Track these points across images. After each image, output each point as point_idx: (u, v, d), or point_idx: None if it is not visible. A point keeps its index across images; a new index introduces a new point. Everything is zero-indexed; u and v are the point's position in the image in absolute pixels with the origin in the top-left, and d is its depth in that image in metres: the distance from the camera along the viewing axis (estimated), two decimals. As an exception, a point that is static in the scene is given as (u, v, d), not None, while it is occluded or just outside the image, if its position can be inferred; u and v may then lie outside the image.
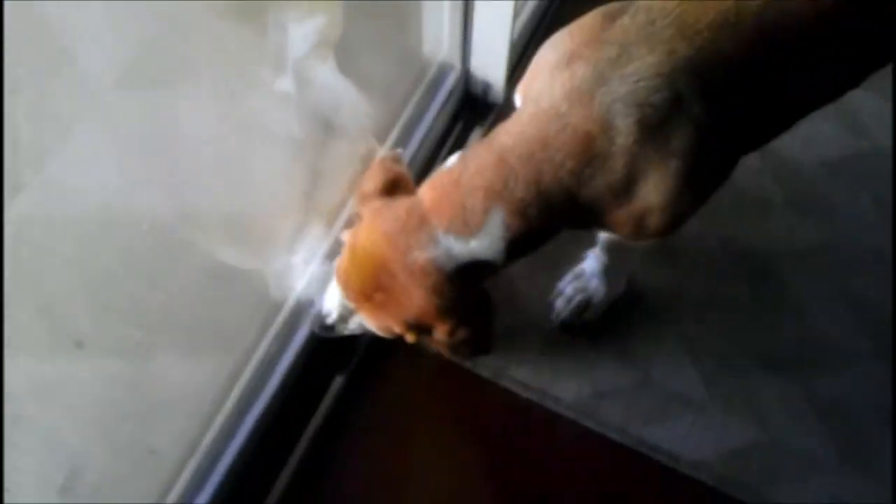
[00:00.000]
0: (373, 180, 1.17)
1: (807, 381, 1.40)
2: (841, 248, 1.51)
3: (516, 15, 1.52)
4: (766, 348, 1.43)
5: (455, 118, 1.63)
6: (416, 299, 1.10)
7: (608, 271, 1.40)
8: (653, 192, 1.03)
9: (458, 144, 1.61)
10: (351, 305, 1.20)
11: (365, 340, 1.42)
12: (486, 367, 1.41)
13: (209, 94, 1.72)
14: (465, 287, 1.10)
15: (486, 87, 1.61)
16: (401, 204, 1.11)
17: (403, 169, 1.19)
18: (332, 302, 1.24)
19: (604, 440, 1.37)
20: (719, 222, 1.51)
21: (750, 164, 1.33)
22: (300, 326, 1.39)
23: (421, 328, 1.15)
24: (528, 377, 1.40)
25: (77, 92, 1.80)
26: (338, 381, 1.41)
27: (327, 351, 1.41)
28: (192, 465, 1.29)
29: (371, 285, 1.12)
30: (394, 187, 1.15)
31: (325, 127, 1.66)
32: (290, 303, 1.39)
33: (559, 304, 1.46)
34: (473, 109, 1.64)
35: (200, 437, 1.31)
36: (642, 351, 1.43)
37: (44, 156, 1.69)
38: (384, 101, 1.62)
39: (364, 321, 1.21)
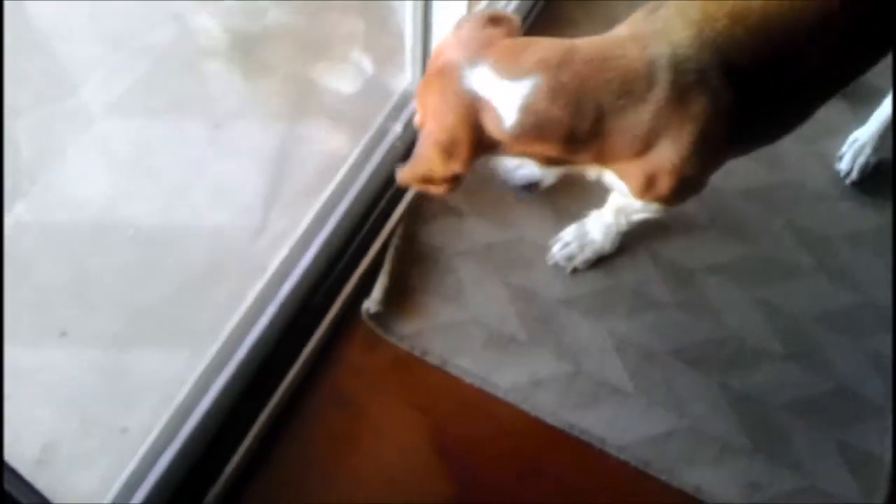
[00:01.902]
0: (483, 15, 1.28)
1: (722, 376, 1.55)
2: (756, 262, 1.68)
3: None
4: (686, 346, 1.58)
5: (413, 144, 1.79)
6: (432, 85, 1.22)
7: (607, 228, 1.60)
8: (668, 148, 1.20)
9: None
10: None
11: (323, 328, 1.55)
12: (434, 355, 1.55)
13: (195, 124, 1.91)
14: (466, 120, 1.19)
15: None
16: (484, 31, 1.23)
17: (513, 27, 1.27)
18: None
19: (538, 423, 1.50)
20: (650, 236, 1.68)
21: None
22: (264, 313, 1.51)
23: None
24: (471, 366, 1.54)
25: (75, 117, 1.99)
26: (296, 367, 1.53)
27: (288, 338, 1.54)
28: (154, 437, 1.37)
29: (424, 85, 1.25)
30: (495, 21, 1.26)
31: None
32: (255, 293, 1.52)
33: (556, 247, 1.65)
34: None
35: (168, 420, 1.40)
36: (576, 345, 1.57)
37: (41, 170, 1.87)
38: (349, 128, 1.79)
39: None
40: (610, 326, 1.59)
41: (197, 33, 2.08)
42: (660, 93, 1.17)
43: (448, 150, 1.20)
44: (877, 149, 1.78)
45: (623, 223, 1.57)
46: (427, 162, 1.23)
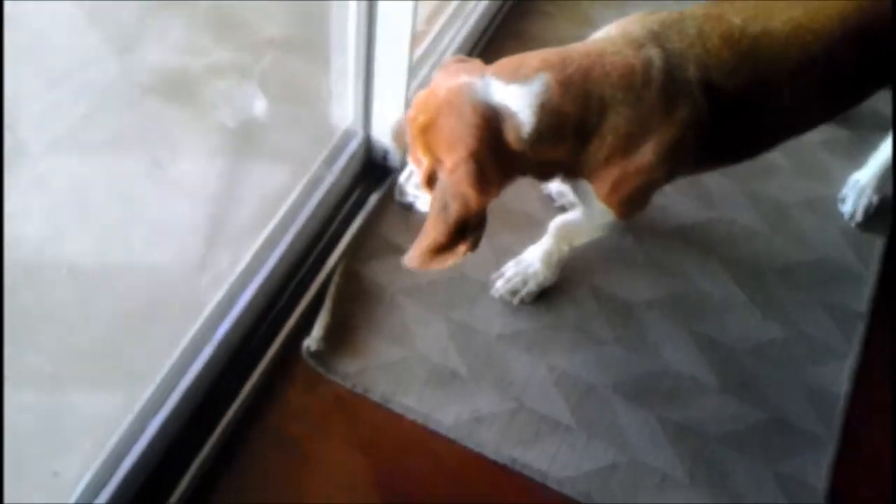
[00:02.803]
0: (453, 59, 1.32)
1: (661, 409, 1.57)
2: (692, 298, 1.71)
3: (412, 96, 1.74)
4: (625, 380, 1.60)
5: (356, 181, 1.80)
6: (441, 118, 1.20)
7: (548, 257, 1.61)
8: (649, 150, 1.24)
9: (358, 206, 1.78)
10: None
11: (262, 367, 1.54)
12: (376, 393, 1.54)
13: (134, 162, 1.89)
14: (488, 131, 1.19)
15: (385, 153, 1.80)
16: (466, 64, 1.27)
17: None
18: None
19: (480, 459, 1.50)
20: (590, 273, 1.71)
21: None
22: (201, 353, 1.49)
23: (432, 174, 1.22)
24: (414, 403, 1.54)
25: (11, 154, 1.95)
26: (234, 408, 1.50)
27: (225, 378, 1.52)
28: (86, 482, 1.35)
29: (421, 107, 1.23)
30: (465, 61, 1.30)
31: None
32: (193, 332, 1.50)
33: (499, 283, 1.66)
34: (373, 174, 1.82)
35: (102, 463, 1.37)
36: (517, 381, 1.58)
37: (-25, 208, 1.81)
38: (291, 166, 1.79)
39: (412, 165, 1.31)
40: (551, 362, 1.61)
41: (138, 70, 2.06)
42: (653, 93, 1.23)
43: (481, 175, 1.18)
44: (877, 189, 1.84)
45: (565, 249, 1.59)
46: (462, 200, 1.20)
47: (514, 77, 1.21)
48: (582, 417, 1.55)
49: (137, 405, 1.40)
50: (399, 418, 1.53)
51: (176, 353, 1.46)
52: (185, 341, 1.47)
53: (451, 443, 1.51)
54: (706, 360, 1.64)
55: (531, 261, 1.64)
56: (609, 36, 1.29)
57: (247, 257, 1.58)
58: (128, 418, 1.39)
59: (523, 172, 1.29)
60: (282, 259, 1.61)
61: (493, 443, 1.51)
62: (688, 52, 1.25)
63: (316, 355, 1.56)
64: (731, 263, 1.77)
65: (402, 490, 1.47)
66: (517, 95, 1.20)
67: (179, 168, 1.89)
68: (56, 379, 1.54)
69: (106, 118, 1.98)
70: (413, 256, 1.25)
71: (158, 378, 1.43)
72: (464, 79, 1.21)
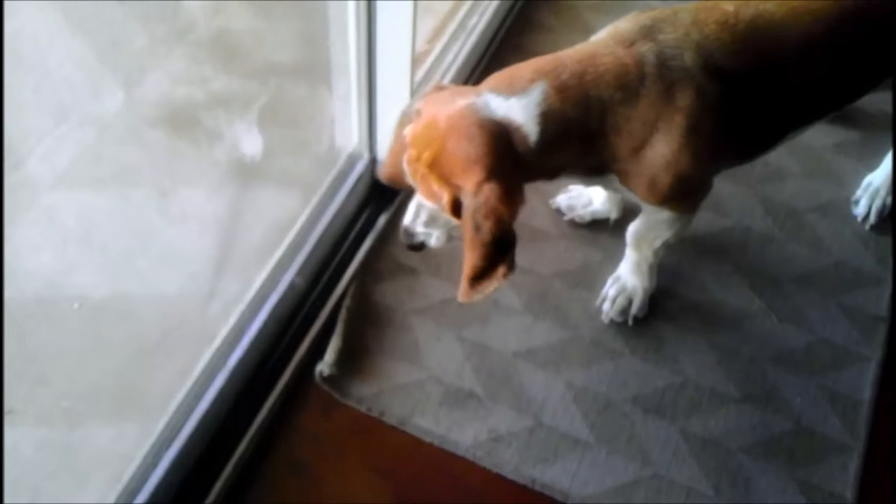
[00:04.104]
0: (433, 87, 1.32)
1: (682, 422, 1.54)
2: (708, 307, 1.69)
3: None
4: (644, 393, 1.57)
5: (364, 203, 1.79)
6: (450, 145, 1.18)
7: (638, 267, 1.61)
8: (660, 143, 1.24)
9: (367, 228, 1.77)
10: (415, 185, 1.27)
11: (276, 393, 1.52)
12: (392, 416, 1.52)
13: (142, 193, 1.89)
14: (500, 144, 1.18)
15: (392, 174, 1.79)
16: (449, 89, 1.28)
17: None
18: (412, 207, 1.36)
19: (500, 479, 1.47)
20: (603, 286, 1.69)
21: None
22: (214, 382, 1.48)
23: (456, 202, 1.19)
24: (430, 425, 1.52)
25: (20, 190, 1.96)
26: (249, 437, 1.48)
27: (239, 407, 1.51)
28: None
29: (423, 142, 1.20)
30: (443, 87, 1.31)
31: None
32: (205, 362, 1.48)
33: (605, 306, 1.66)
34: (381, 195, 1.81)
35: (117, 496, 1.36)
36: (534, 398, 1.56)
37: (-16, 245, 1.82)
38: (298, 190, 1.79)
39: (420, 198, 1.30)
40: (568, 377, 1.58)
41: (141, 102, 2.07)
42: (650, 86, 1.22)
43: (506, 188, 1.17)
44: (890, 190, 1.82)
45: (649, 255, 1.58)
46: (494, 217, 1.17)
47: (512, 90, 1.21)
48: (602, 433, 1.52)
49: (151, 437, 1.38)
50: (416, 440, 1.51)
51: (189, 383, 1.44)
52: (197, 370, 1.46)
53: (470, 464, 1.49)
54: (726, 370, 1.61)
55: (625, 276, 1.64)
56: (601, 40, 1.29)
57: (257, 284, 1.57)
58: (142, 451, 1.37)
59: (538, 177, 1.29)
60: (292, 285, 1.60)
61: (512, 463, 1.49)
62: (683, 40, 1.25)
63: (329, 380, 1.55)
64: (747, 271, 1.74)
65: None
66: (519, 108, 1.20)
67: (186, 197, 1.89)
68: (71, 414, 1.53)
69: (111, 151, 1.99)
70: (461, 290, 1.24)
71: (172, 408, 1.42)
72: (461, 102, 1.20)
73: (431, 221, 1.33)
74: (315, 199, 1.69)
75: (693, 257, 1.76)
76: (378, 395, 1.55)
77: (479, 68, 2.05)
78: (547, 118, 1.20)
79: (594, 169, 1.32)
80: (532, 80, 1.21)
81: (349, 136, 1.75)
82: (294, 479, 1.47)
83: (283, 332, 1.58)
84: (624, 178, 1.32)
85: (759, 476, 1.49)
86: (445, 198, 1.20)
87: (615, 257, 1.67)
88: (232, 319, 1.52)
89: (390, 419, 1.52)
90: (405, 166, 1.26)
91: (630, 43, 1.25)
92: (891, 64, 1.43)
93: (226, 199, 1.86)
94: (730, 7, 1.29)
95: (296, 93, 2.09)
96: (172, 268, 1.74)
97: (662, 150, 1.25)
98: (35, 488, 1.45)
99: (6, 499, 1.44)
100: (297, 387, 1.56)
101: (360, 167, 1.75)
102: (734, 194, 1.85)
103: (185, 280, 1.74)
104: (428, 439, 1.51)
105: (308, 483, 1.47)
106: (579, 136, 1.24)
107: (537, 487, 1.47)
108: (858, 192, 1.86)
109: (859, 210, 1.84)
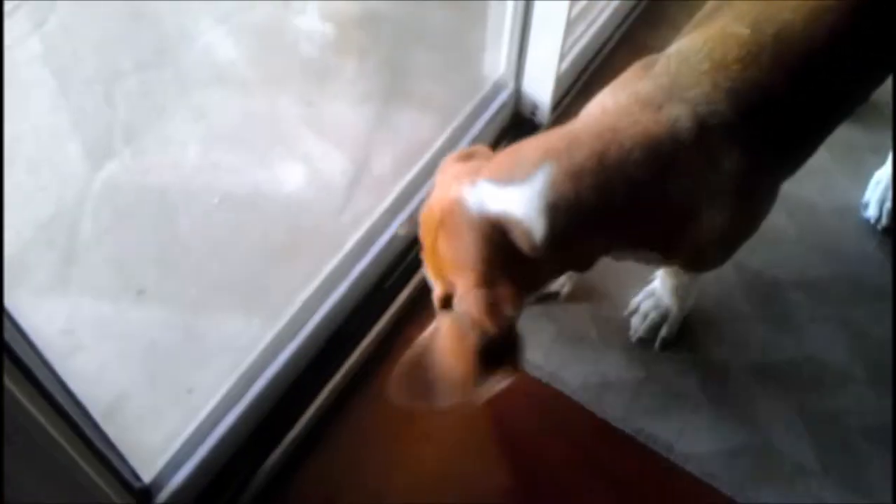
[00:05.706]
0: (452, 157, 1.19)
1: (799, 395, 1.49)
2: (844, 283, 1.62)
3: (567, 52, 1.71)
4: (763, 361, 1.53)
5: (503, 133, 1.79)
6: (441, 243, 1.06)
7: (678, 290, 1.46)
8: (711, 214, 1.09)
9: (504, 158, 1.76)
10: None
11: (394, 309, 1.55)
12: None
13: (288, 100, 1.94)
14: (493, 248, 1.03)
15: (535, 107, 1.77)
16: (467, 165, 1.11)
17: (489, 153, 1.18)
18: None
19: (604, 425, 1.47)
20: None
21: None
22: (337, 289, 1.51)
23: (447, 297, 1.07)
24: (541, 360, 1.52)
25: (173, 85, 2.04)
26: (364, 345, 1.52)
27: (358, 315, 1.54)
28: (218, 400, 1.38)
29: (424, 226, 1.11)
30: (469, 157, 1.16)
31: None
32: (330, 268, 1.52)
33: (635, 321, 1.54)
34: (521, 128, 1.80)
35: (234, 384, 1.40)
36: (647, 350, 1.54)
37: (135, 132, 1.93)
38: (438, 114, 1.79)
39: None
40: (684, 333, 1.56)
41: (297, 13, 2.11)
42: (689, 155, 1.05)
43: (493, 301, 1.01)
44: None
45: (692, 282, 1.46)
46: (478, 330, 1.01)
47: (511, 177, 1.03)
48: (713, 395, 1.49)
49: (272, 332, 1.44)
50: (524, 373, 1.51)
51: (314, 285, 1.48)
52: (323, 275, 1.49)
53: (575, 405, 1.48)
54: (855, 351, 1.54)
55: (662, 294, 1.51)
56: (617, 102, 1.11)
57: (387, 201, 1.60)
58: (262, 343, 1.42)
59: (556, 274, 1.15)
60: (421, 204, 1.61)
61: (619, 410, 1.48)
62: (713, 93, 1.07)
63: (447, 303, 1.56)
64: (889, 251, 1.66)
65: (521, 446, 1.46)
66: (517, 199, 1.02)
67: (329, 109, 1.94)
68: (197, 302, 1.61)
69: (264, 57, 2.05)
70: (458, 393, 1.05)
71: (294, 308, 1.46)
72: (454, 192, 1.05)
73: None
74: (454, 124, 1.69)
75: (837, 227, 1.68)
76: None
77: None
78: (554, 210, 1.02)
79: (627, 253, 1.20)
80: (537, 164, 1.03)
81: (496, 65, 1.74)
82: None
83: (408, 249, 1.60)
84: (662, 255, 1.19)
85: (871, 460, 1.44)
86: (436, 291, 1.08)
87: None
88: (360, 231, 1.55)
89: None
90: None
91: (657, 106, 1.07)
92: None
93: (367, 115, 1.89)
94: (744, 32, 1.12)
95: (447, 17, 2.09)
96: (310, 176, 1.79)
97: (713, 222, 1.10)
98: (154, 366, 1.54)
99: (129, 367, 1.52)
100: (415, 303, 1.59)
101: (503, 96, 1.74)
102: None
103: (320, 189, 1.79)
104: (536, 374, 1.51)
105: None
106: (603, 225, 1.07)
107: (641, 438, 1.45)
108: (867, 194, 1.73)
109: (870, 212, 1.71)
